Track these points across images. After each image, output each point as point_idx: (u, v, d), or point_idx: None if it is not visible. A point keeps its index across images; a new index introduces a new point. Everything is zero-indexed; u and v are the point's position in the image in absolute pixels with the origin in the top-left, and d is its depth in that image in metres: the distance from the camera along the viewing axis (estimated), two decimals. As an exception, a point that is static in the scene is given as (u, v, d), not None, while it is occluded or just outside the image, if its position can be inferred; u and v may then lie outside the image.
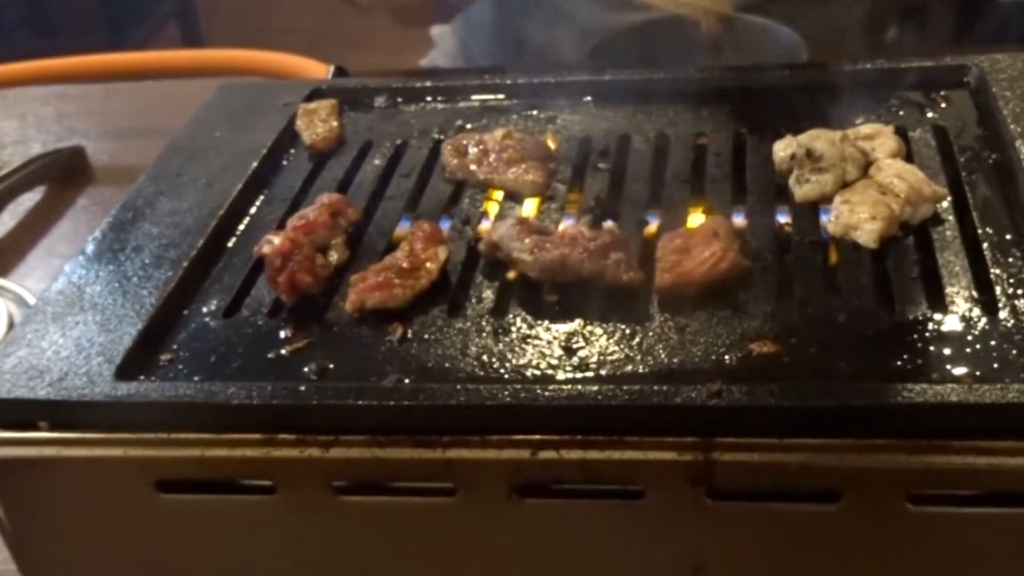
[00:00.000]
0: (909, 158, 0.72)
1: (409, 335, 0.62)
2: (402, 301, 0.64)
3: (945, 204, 0.67)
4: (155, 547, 0.62)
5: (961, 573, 0.56)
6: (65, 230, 1.10)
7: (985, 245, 0.63)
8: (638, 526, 0.57)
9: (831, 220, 0.67)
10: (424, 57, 1.51)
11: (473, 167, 0.76)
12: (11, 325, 0.91)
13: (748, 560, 0.58)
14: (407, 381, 0.59)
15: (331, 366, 0.61)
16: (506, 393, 0.57)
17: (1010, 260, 0.62)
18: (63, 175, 1.18)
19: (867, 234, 0.64)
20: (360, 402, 0.57)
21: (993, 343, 0.57)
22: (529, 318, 0.63)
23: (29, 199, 1.15)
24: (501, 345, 0.61)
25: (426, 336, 0.62)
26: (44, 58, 1.29)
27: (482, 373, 0.59)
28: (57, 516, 0.62)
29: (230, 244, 0.72)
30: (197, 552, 0.62)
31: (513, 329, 0.62)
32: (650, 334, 0.60)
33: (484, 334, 0.62)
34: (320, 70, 1.10)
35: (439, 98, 0.87)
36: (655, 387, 0.56)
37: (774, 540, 0.57)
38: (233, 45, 1.27)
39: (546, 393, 0.56)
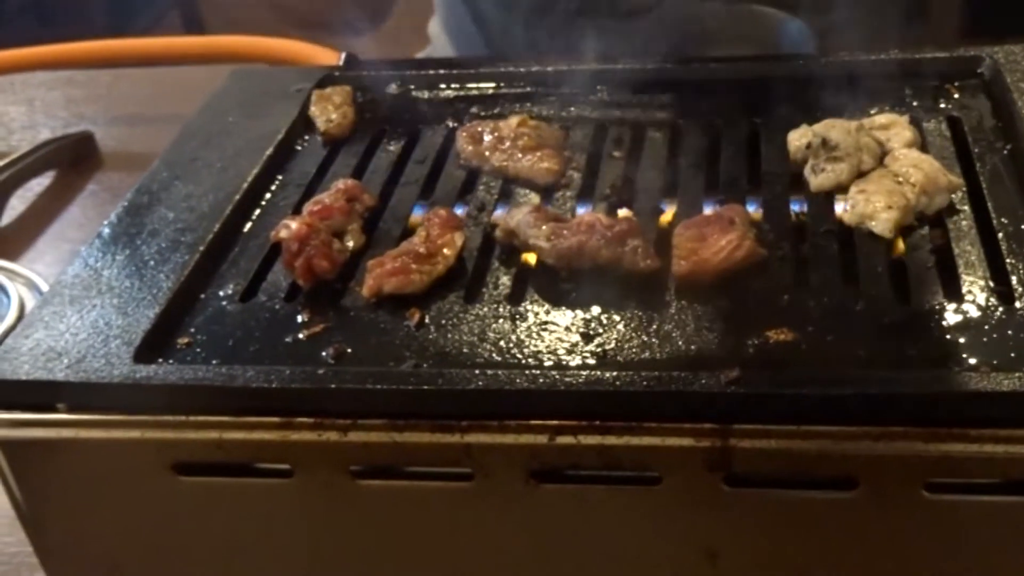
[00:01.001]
0: (924, 148, 0.72)
1: (426, 320, 0.62)
2: (419, 286, 0.64)
3: (960, 194, 0.67)
4: (172, 529, 0.63)
5: (977, 561, 0.56)
6: (74, 215, 1.10)
7: (1001, 235, 0.64)
8: (654, 512, 0.58)
9: (847, 209, 0.67)
10: (421, 52, 1.50)
11: (488, 154, 0.76)
12: (22, 309, 0.91)
13: (764, 547, 0.58)
14: (425, 366, 0.59)
15: (349, 351, 0.61)
16: (524, 378, 0.57)
17: (1025, 250, 0.62)
18: (72, 160, 1.18)
19: (883, 223, 0.65)
20: (378, 386, 0.58)
21: (1009, 332, 0.57)
22: (546, 304, 0.63)
23: (38, 184, 1.15)
24: (518, 331, 0.61)
25: (443, 322, 0.62)
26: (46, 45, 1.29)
27: (500, 358, 0.59)
28: (74, 498, 0.62)
29: (246, 229, 0.72)
30: (214, 535, 0.63)
31: (530, 315, 0.62)
32: (667, 321, 0.60)
33: (501, 320, 0.62)
34: (331, 57, 1.09)
35: (452, 85, 0.87)
36: (673, 373, 0.56)
37: (790, 527, 0.57)
38: (234, 33, 1.27)
39: (564, 379, 0.57)
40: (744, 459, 0.55)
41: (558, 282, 0.64)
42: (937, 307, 0.59)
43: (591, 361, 0.58)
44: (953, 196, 0.67)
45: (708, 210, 0.69)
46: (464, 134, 0.78)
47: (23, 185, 1.13)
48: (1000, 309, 0.59)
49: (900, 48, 0.82)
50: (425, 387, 0.57)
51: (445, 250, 0.66)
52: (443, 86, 0.87)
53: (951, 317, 0.59)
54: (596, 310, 0.62)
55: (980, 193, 0.67)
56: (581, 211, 0.71)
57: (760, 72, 0.83)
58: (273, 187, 0.77)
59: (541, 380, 0.57)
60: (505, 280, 0.65)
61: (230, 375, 0.59)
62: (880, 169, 0.69)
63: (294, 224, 0.67)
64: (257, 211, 0.74)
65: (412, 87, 0.87)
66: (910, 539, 0.56)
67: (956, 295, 0.60)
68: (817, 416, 0.55)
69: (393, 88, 0.87)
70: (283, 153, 0.80)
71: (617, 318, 0.61)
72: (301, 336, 0.63)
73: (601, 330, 0.60)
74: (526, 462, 0.57)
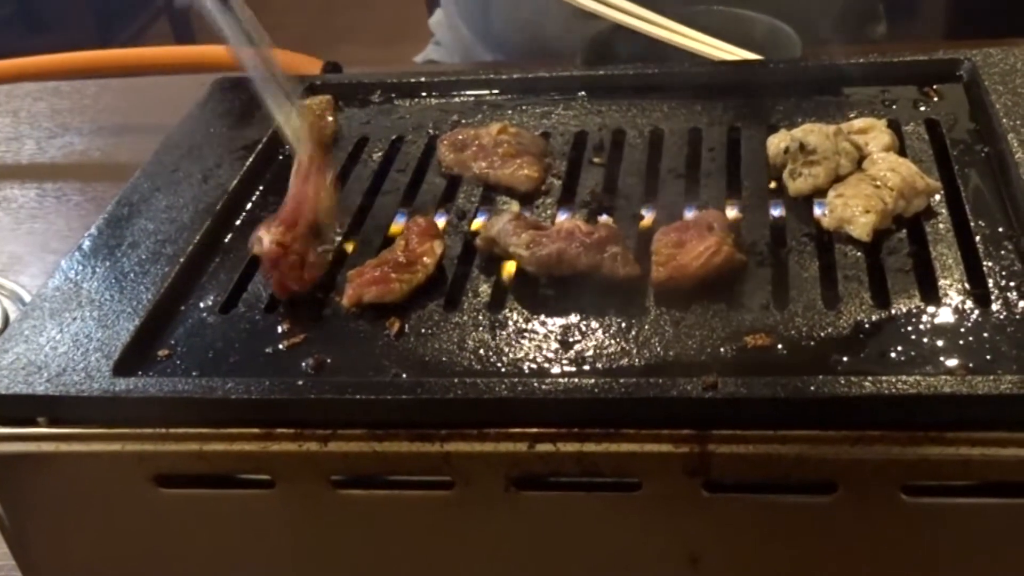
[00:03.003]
0: (902, 152, 0.72)
1: (406, 329, 0.63)
2: (399, 295, 0.64)
3: (938, 197, 0.68)
4: (154, 541, 0.63)
5: (954, 562, 0.57)
6: (59, 227, 1.10)
7: (978, 238, 0.64)
8: (635, 518, 0.58)
9: (825, 214, 0.67)
10: (419, 53, 1.51)
11: (469, 162, 0.76)
12: (6, 321, 0.91)
13: (744, 551, 0.58)
14: (404, 375, 0.59)
15: (328, 361, 0.61)
16: (503, 387, 0.57)
17: (1002, 253, 0.63)
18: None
19: (861, 227, 0.65)
20: (358, 396, 0.58)
21: (985, 335, 0.57)
22: (526, 312, 0.63)
23: (22, 195, 1.15)
24: (498, 339, 0.61)
25: (423, 330, 0.62)
26: (34, 54, 1.28)
27: (479, 367, 0.60)
28: (56, 511, 0.62)
29: (226, 240, 0.72)
30: (196, 546, 0.63)
31: (510, 323, 0.62)
32: (646, 327, 0.61)
33: (481, 328, 0.62)
34: (313, 66, 1.09)
35: (434, 93, 0.87)
36: (651, 380, 0.57)
37: (770, 531, 0.57)
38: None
39: (543, 386, 0.57)
40: (723, 464, 0.55)
41: (538, 289, 0.65)
42: (914, 310, 0.60)
43: (570, 368, 0.59)
44: (931, 199, 0.67)
45: (688, 215, 0.69)
46: (445, 142, 0.78)
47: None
48: (977, 312, 0.59)
49: (880, 52, 0.82)
50: (404, 396, 0.57)
51: (425, 259, 0.66)
52: (424, 94, 0.87)
53: (928, 320, 0.59)
54: (575, 317, 0.62)
55: (958, 196, 0.68)
56: (561, 218, 0.71)
57: (740, 76, 0.84)
58: (254, 197, 0.77)
59: (520, 388, 0.57)
60: (485, 288, 0.65)
61: (210, 387, 0.59)
62: (858, 173, 0.69)
63: (266, 240, 0.66)
64: (238, 222, 0.74)
65: (393, 95, 0.87)
66: (889, 542, 0.56)
67: (933, 298, 0.60)
68: (795, 421, 0.55)
69: (375, 97, 0.87)
70: (264, 163, 0.80)
71: (596, 325, 0.61)
72: (281, 347, 0.63)
73: (580, 337, 0.61)
74: (506, 470, 0.57)
